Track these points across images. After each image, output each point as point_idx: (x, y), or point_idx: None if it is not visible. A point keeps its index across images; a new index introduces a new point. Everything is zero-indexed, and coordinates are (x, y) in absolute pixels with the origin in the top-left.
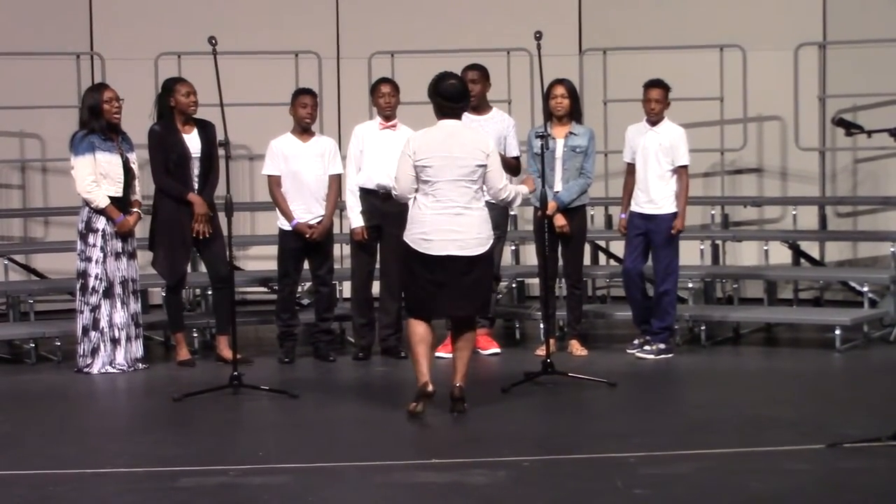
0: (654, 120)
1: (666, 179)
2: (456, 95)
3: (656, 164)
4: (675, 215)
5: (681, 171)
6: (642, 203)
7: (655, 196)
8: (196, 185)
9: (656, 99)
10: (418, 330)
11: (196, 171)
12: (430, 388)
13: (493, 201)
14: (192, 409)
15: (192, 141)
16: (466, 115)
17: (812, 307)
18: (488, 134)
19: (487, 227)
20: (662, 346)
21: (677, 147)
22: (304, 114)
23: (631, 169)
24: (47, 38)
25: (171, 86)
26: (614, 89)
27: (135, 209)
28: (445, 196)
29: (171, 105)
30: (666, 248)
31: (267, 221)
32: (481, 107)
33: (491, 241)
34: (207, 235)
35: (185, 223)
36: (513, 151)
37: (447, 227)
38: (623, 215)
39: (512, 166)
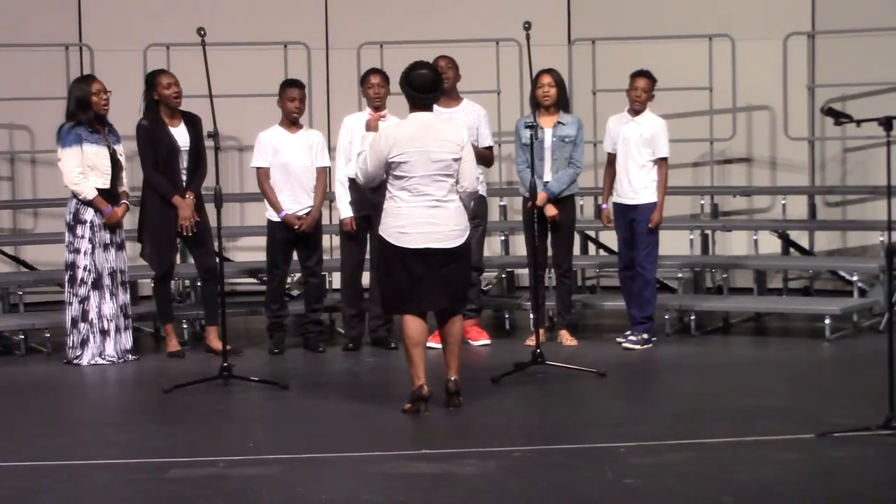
0: (636, 109)
1: (647, 169)
2: (427, 85)
3: (637, 155)
4: (655, 206)
5: (660, 163)
6: (623, 193)
7: (637, 186)
8: (184, 179)
9: (643, 88)
10: (413, 332)
11: (184, 164)
12: (426, 391)
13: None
14: (182, 401)
15: (180, 134)
16: (438, 108)
17: (801, 296)
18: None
19: (464, 218)
20: (646, 335)
21: (658, 138)
22: (293, 107)
23: (612, 159)
24: (36, 30)
25: (153, 79)
26: (603, 79)
27: (123, 200)
28: (422, 190)
29: (156, 98)
30: (648, 238)
31: (256, 212)
32: (452, 97)
33: (468, 233)
34: (192, 234)
35: (171, 215)
36: (485, 141)
37: (424, 219)
38: (605, 206)
39: (485, 157)
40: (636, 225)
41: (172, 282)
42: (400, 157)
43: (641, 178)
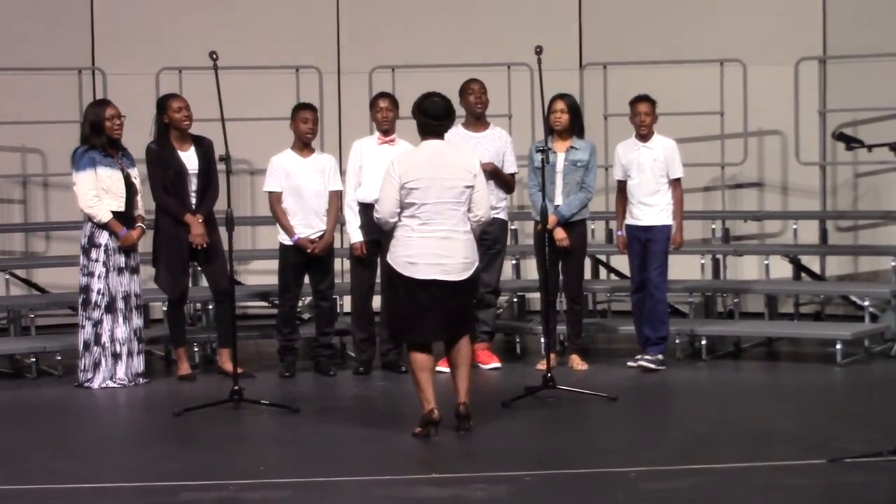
0: (644, 134)
1: (662, 193)
2: (440, 113)
3: (652, 179)
4: (670, 227)
5: (675, 184)
6: (639, 216)
7: (653, 209)
8: (193, 202)
9: (646, 112)
10: (419, 358)
11: (193, 187)
12: (437, 414)
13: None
14: (193, 424)
15: (190, 158)
16: (465, 133)
17: (813, 321)
18: (487, 150)
19: (474, 251)
20: (661, 356)
21: (672, 160)
22: (306, 129)
23: (622, 186)
24: (49, 53)
25: (163, 103)
26: (615, 104)
27: (138, 223)
28: (433, 219)
29: (166, 122)
30: (662, 258)
31: (268, 236)
32: (480, 122)
33: (476, 265)
34: (206, 245)
35: (184, 239)
36: (510, 168)
37: (434, 251)
38: (619, 232)
39: (508, 183)
40: (650, 245)
41: (185, 305)
42: (412, 184)
43: (657, 201)
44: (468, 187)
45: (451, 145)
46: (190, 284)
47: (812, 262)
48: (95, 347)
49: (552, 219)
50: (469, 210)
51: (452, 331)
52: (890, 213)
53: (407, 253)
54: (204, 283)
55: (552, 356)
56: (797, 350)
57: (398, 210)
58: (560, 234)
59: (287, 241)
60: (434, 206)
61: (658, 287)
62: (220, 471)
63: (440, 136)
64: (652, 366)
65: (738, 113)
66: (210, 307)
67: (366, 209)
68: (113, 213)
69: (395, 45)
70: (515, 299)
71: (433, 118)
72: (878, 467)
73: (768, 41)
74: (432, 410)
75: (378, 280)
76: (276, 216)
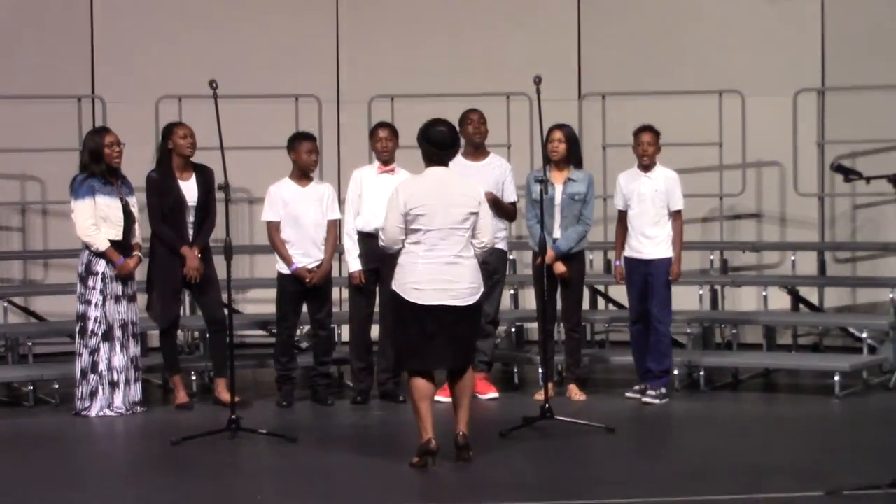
0: (647, 164)
1: (662, 224)
2: (446, 142)
3: (653, 209)
4: (670, 260)
5: (675, 216)
6: (640, 249)
7: (652, 241)
8: (190, 232)
9: (649, 142)
10: (420, 386)
11: (192, 218)
12: (434, 445)
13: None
14: (190, 453)
15: (190, 188)
16: (465, 162)
17: (811, 353)
18: (486, 179)
19: (478, 276)
20: (664, 390)
21: (673, 191)
22: (310, 160)
23: (622, 216)
24: (49, 81)
25: (169, 129)
26: (613, 134)
27: (135, 252)
28: (438, 245)
29: (170, 149)
30: (664, 292)
31: (266, 264)
32: (480, 152)
33: (481, 291)
34: (197, 280)
35: (178, 268)
36: (510, 197)
37: (440, 276)
38: (618, 262)
39: (509, 212)
40: (651, 279)
41: (180, 333)
42: (418, 210)
43: (658, 232)
44: (473, 213)
45: (455, 173)
46: (188, 312)
47: (810, 294)
48: (92, 376)
49: (550, 254)
50: (474, 236)
51: (457, 358)
52: (888, 244)
53: (413, 279)
54: (200, 311)
55: (550, 386)
56: (795, 381)
57: (402, 237)
58: (560, 267)
59: (285, 270)
60: (439, 231)
61: (661, 320)
62: (217, 500)
63: (445, 164)
64: (656, 401)
65: (736, 144)
66: (208, 335)
67: (365, 238)
68: (110, 241)
69: (394, 74)
70: (514, 329)
71: (438, 147)
72: (875, 500)
73: (767, 72)
74: (430, 440)
75: (377, 309)
76: (275, 245)
